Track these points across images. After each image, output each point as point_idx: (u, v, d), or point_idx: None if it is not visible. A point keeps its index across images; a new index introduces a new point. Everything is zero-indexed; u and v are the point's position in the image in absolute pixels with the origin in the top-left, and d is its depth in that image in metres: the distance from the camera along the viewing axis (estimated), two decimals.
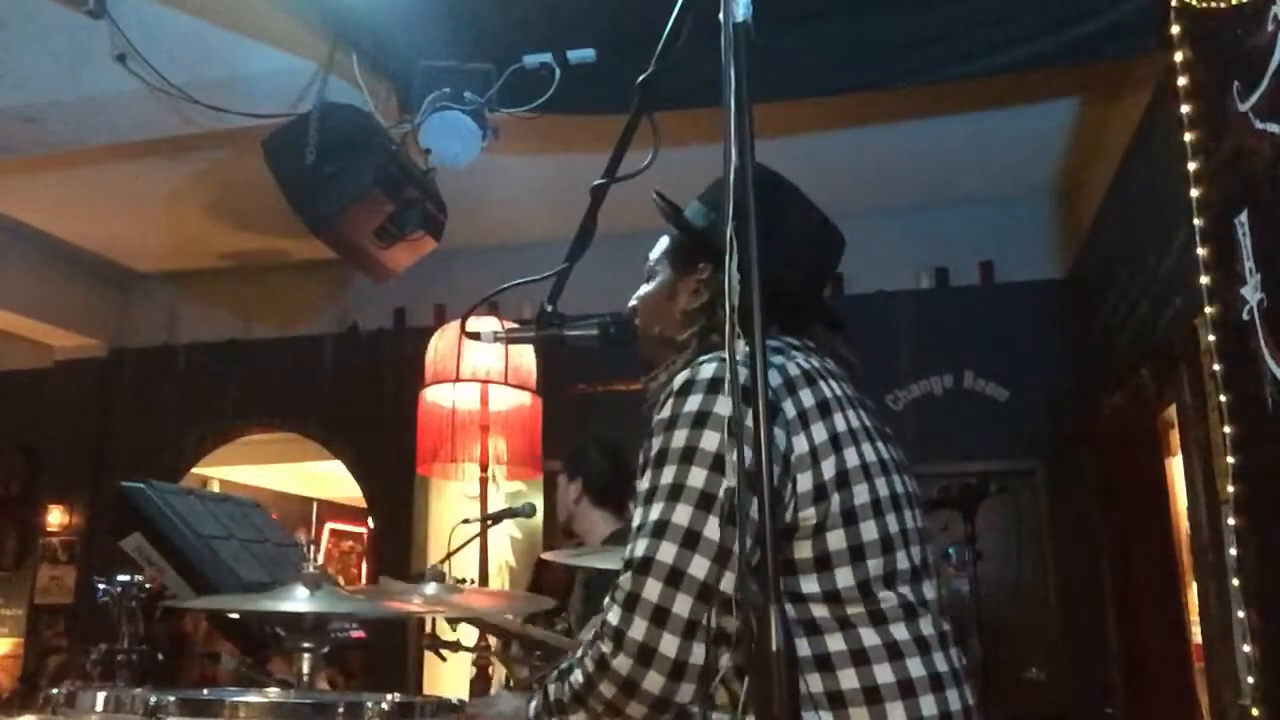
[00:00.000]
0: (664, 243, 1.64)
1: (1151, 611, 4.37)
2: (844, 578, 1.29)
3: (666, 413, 1.34)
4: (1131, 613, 4.62)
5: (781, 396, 1.33)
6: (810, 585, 1.28)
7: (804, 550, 1.29)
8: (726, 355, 1.10)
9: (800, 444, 1.30)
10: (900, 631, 1.29)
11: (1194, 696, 3.92)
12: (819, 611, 1.28)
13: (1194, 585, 3.74)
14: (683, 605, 1.23)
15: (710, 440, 1.29)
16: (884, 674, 1.26)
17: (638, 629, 1.24)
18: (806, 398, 1.35)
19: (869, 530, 1.31)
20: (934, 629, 1.34)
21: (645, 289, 1.65)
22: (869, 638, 1.28)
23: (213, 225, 6.10)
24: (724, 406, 1.29)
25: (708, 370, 1.35)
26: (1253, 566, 2.61)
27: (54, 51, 4.00)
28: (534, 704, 1.39)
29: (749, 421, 1.01)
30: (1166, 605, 4.18)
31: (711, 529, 1.25)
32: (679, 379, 1.36)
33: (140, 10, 3.86)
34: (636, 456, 1.39)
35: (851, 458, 1.33)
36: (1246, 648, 2.68)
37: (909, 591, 1.33)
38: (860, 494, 1.32)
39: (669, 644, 1.23)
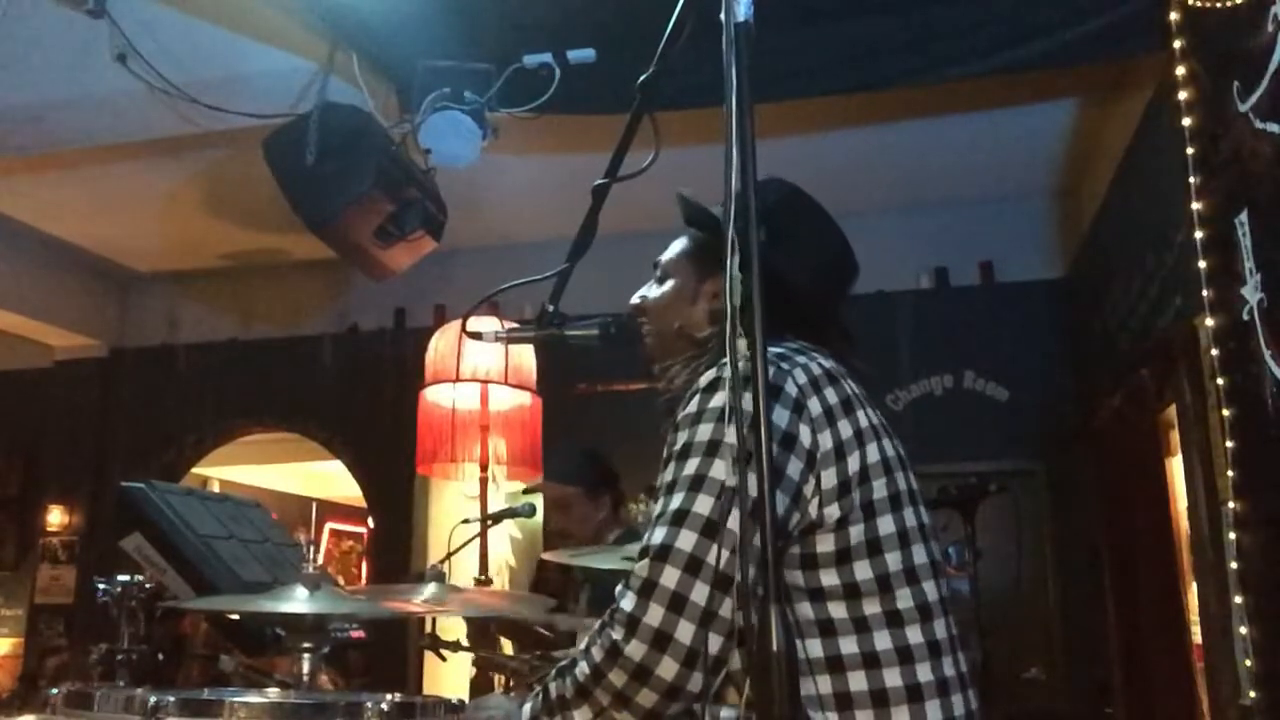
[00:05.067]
0: (682, 243, 1.66)
1: (1151, 611, 4.36)
2: (862, 571, 1.31)
3: (693, 408, 1.35)
4: (1131, 613, 4.61)
5: (807, 394, 1.35)
6: (830, 579, 1.30)
7: (825, 544, 1.31)
8: (727, 352, 1.12)
9: (826, 440, 1.33)
10: (915, 635, 1.31)
11: (1194, 696, 3.92)
12: (837, 611, 1.30)
13: (1194, 585, 3.74)
14: (700, 593, 1.23)
15: (736, 435, 1.30)
16: (893, 678, 1.28)
17: (654, 615, 1.23)
18: (830, 395, 1.37)
19: (886, 524, 1.34)
20: (945, 632, 1.36)
21: (661, 288, 1.65)
22: (882, 641, 1.29)
23: (213, 225, 6.10)
24: (749, 404, 1.31)
25: None
26: (1253, 567, 2.61)
27: (54, 51, 4.00)
28: (529, 705, 1.38)
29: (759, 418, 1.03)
30: (1166, 605, 4.18)
31: (733, 521, 1.24)
32: (705, 376, 1.38)
33: (140, 10, 3.86)
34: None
35: (872, 453, 1.36)
36: (1246, 648, 2.68)
37: (928, 590, 1.35)
38: (879, 489, 1.35)
39: (685, 631, 1.22)
